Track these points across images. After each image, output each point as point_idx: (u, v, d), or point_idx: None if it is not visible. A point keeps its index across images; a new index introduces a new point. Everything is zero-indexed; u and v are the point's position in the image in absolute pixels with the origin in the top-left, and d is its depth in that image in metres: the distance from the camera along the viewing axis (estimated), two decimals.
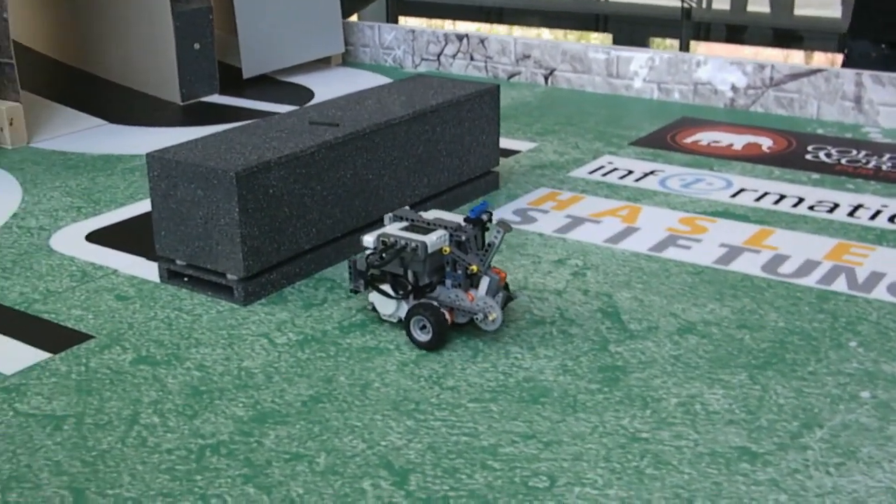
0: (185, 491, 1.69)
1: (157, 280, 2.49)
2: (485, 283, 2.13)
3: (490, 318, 2.11)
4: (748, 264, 2.55)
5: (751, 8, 8.92)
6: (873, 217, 2.85)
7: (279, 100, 4.24)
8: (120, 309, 2.35)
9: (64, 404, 1.95)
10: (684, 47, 7.44)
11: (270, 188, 2.35)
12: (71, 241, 2.77)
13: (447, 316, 2.12)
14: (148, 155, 2.40)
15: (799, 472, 1.72)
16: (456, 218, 2.19)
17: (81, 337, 2.22)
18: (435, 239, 2.11)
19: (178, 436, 1.85)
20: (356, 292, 2.26)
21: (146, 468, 1.75)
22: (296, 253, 2.46)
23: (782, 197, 3.01)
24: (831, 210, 2.91)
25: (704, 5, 8.74)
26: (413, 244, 2.10)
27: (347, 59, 4.94)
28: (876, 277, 2.46)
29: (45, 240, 2.77)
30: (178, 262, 2.44)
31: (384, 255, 2.13)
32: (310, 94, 4.36)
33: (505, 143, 3.37)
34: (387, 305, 2.20)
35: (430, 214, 2.21)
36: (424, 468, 1.74)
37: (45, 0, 4.54)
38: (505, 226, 2.12)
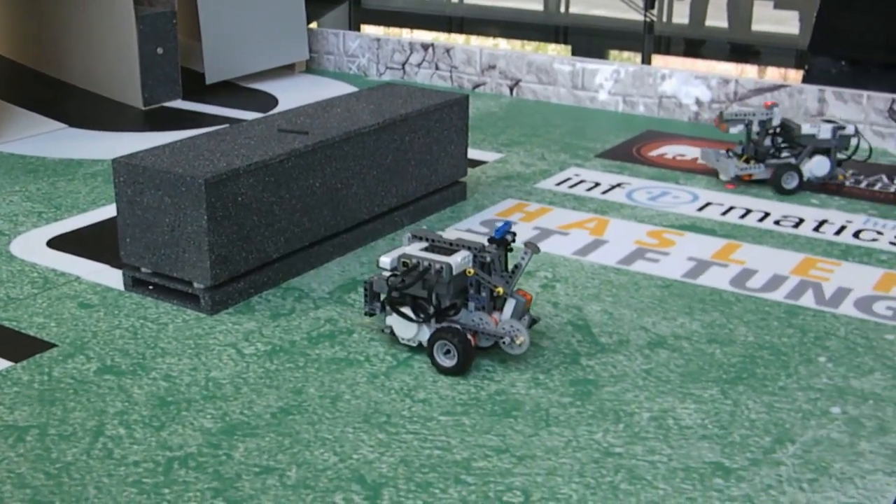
0: None
1: (122, 288, 2.45)
2: (510, 305, 2.07)
3: (517, 341, 2.04)
4: (716, 278, 2.55)
5: (709, 22, 8.99)
6: (838, 232, 2.87)
7: (242, 106, 4.20)
8: (83, 317, 2.31)
9: (27, 415, 1.91)
10: (646, 60, 7.48)
11: (239, 196, 2.32)
12: (32, 246, 2.72)
13: (471, 340, 2.06)
14: (114, 160, 2.36)
15: (772, 487, 1.72)
16: (478, 238, 2.12)
17: (44, 345, 2.17)
18: (460, 260, 2.04)
19: (145, 448, 1.81)
20: (371, 315, 2.19)
21: (112, 481, 1.71)
22: (264, 262, 2.43)
23: (748, 211, 3.03)
24: (797, 225, 2.92)
25: (664, 19, 8.80)
26: (437, 266, 2.03)
27: (311, 67, 4.91)
28: (843, 293, 2.47)
29: (4, 245, 2.72)
30: (144, 269, 2.40)
31: (406, 277, 2.06)
32: (273, 100, 4.33)
33: (471, 153, 3.36)
34: (407, 329, 2.12)
35: (451, 234, 2.14)
36: (397, 482, 1.72)
37: (6, 3, 4.47)
38: (533, 247, 2.07)
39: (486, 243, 2.10)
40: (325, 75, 4.80)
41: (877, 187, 3.27)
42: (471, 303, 2.09)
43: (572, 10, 10.06)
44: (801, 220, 2.96)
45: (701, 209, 3.04)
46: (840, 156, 3.19)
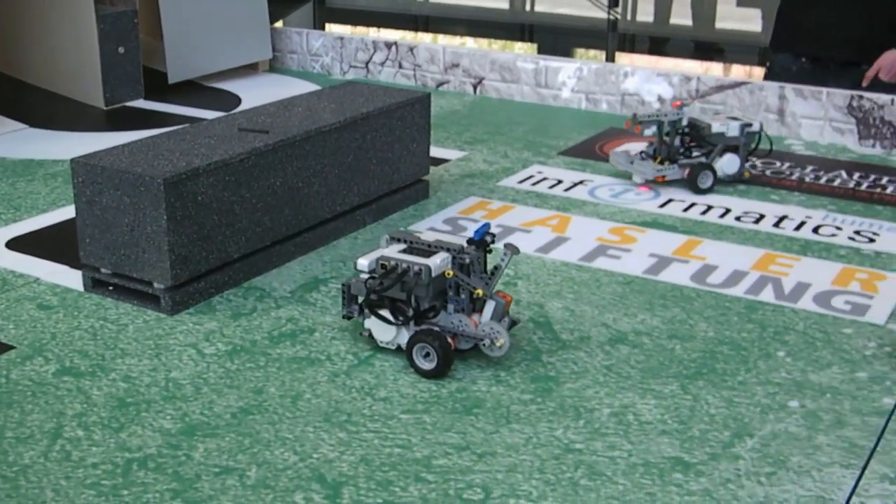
0: None
1: (81, 289, 2.43)
2: (490, 307, 2.06)
3: (498, 343, 2.04)
4: (677, 274, 2.57)
5: (673, 20, 9.05)
6: (798, 228, 2.89)
7: (205, 105, 4.18)
8: (42, 318, 2.29)
9: None
10: (610, 58, 7.51)
11: (199, 195, 2.31)
12: None
13: (451, 342, 2.05)
14: (72, 160, 2.34)
15: (731, 481, 1.73)
16: (457, 240, 2.11)
17: (1, 347, 2.16)
18: (439, 262, 2.03)
19: (104, 449, 1.80)
20: (349, 318, 2.17)
21: (70, 483, 1.70)
22: (224, 261, 2.42)
23: (709, 207, 3.04)
24: (757, 221, 2.94)
25: (629, 17, 8.85)
26: (416, 268, 2.02)
27: (274, 66, 4.90)
28: (802, 287, 2.49)
29: None
30: (104, 270, 2.38)
31: (384, 279, 2.05)
32: (237, 100, 4.31)
33: (434, 151, 3.36)
34: (385, 332, 2.10)
35: (430, 236, 2.13)
36: (357, 481, 1.72)
37: None
38: (513, 248, 2.06)
39: (466, 245, 2.08)
40: (289, 74, 4.79)
41: (836, 183, 3.30)
42: (450, 305, 2.07)
43: (538, 8, 10.09)
44: (762, 216, 2.98)
45: (662, 206, 3.05)
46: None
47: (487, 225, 2.12)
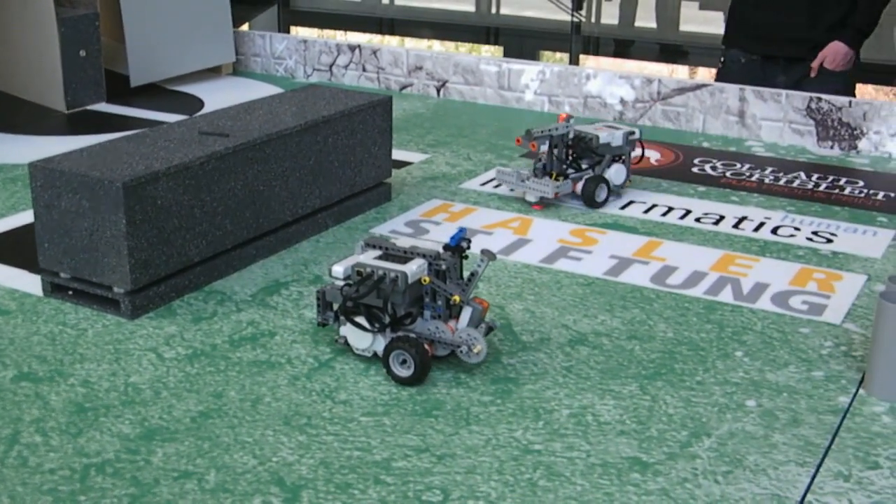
0: None
1: (41, 293, 2.42)
2: (467, 313, 2.06)
3: (475, 350, 2.03)
4: (637, 275, 2.58)
5: (638, 23, 9.10)
6: (757, 229, 2.92)
7: (168, 109, 4.16)
8: (0, 324, 2.27)
9: None
10: (574, 61, 7.54)
11: (158, 199, 2.30)
12: None
13: (427, 349, 2.04)
14: (30, 164, 2.33)
15: (688, 480, 1.75)
16: (433, 246, 2.10)
17: None
18: (415, 269, 2.02)
19: (62, 455, 1.79)
20: (324, 325, 2.16)
21: (27, 489, 1.69)
22: (185, 265, 2.42)
23: (670, 209, 3.07)
24: (717, 222, 2.97)
25: (594, 20, 8.89)
26: (393, 274, 2.01)
27: (238, 69, 4.88)
28: (760, 288, 2.52)
29: None
30: (63, 274, 2.37)
31: (360, 286, 2.03)
32: (199, 103, 4.29)
33: (397, 154, 3.37)
34: (362, 339, 2.09)
35: (405, 242, 2.12)
36: (317, 484, 1.72)
37: None
38: (489, 254, 2.06)
39: (442, 251, 2.08)
40: (252, 77, 4.77)
41: (795, 184, 3.33)
42: (427, 311, 2.07)
43: (504, 10, 10.11)
44: (722, 218, 3.00)
45: (623, 207, 3.07)
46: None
47: (463, 230, 2.11)
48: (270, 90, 4.45)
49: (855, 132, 3.71)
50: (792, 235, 2.87)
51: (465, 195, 3.16)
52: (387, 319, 2.05)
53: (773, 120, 3.84)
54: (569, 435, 1.88)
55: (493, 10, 9.98)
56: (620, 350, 2.20)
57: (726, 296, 2.47)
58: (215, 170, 2.44)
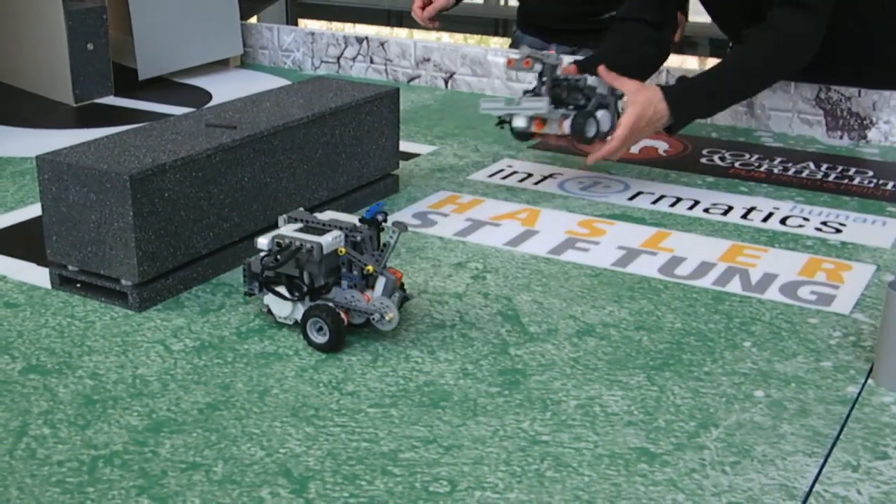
0: None
1: (49, 286, 2.42)
2: (381, 283, 2.12)
3: (387, 317, 2.09)
4: (645, 266, 2.58)
5: None
6: (765, 219, 2.91)
7: (176, 102, 4.17)
8: (9, 316, 2.28)
9: None
10: None
11: (166, 191, 2.30)
12: None
13: (343, 317, 2.11)
14: (38, 157, 2.33)
15: (696, 471, 1.75)
16: (351, 219, 2.18)
17: None
18: (330, 240, 2.09)
19: (70, 447, 1.79)
20: (251, 295, 2.23)
21: (35, 481, 1.70)
22: (192, 257, 2.42)
23: (678, 200, 3.06)
24: (725, 213, 2.96)
25: None
26: (308, 245, 2.09)
27: (245, 62, 4.88)
28: (769, 278, 2.51)
29: None
30: (71, 267, 2.37)
31: (279, 256, 2.11)
32: (207, 96, 4.30)
33: (405, 146, 3.37)
34: (283, 308, 2.18)
35: (326, 216, 2.20)
36: (324, 475, 1.72)
37: None
38: (401, 226, 2.11)
39: (358, 223, 2.15)
40: (260, 70, 4.78)
41: (804, 174, 3.32)
42: (343, 281, 2.13)
43: (512, 2, 10.07)
44: (730, 208, 2.99)
45: (632, 198, 3.06)
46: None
47: (381, 204, 2.20)
48: (278, 83, 4.45)
49: (864, 122, 3.70)
50: (801, 226, 2.86)
51: (473, 186, 3.16)
52: (304, 289, 2.13)
53: (782, 110, 3.82)
54: (576, 426, 1.88)
55: (502, 2, 9.96)
56: (628, 341, 2.20)
57: (735, 286, 2.47)
58: (223, 162, 2.44)
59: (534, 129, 2.96)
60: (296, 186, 2.68)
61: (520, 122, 2.94)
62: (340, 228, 2.14)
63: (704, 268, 2.57)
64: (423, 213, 2.92)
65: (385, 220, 2.17)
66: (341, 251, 2.11)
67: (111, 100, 4.19)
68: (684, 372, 2.07)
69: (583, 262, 2.60)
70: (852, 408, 1.95)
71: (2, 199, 3.03)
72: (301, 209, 2.25)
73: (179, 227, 2.36)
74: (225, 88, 4.37)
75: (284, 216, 2.22)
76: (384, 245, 2.14)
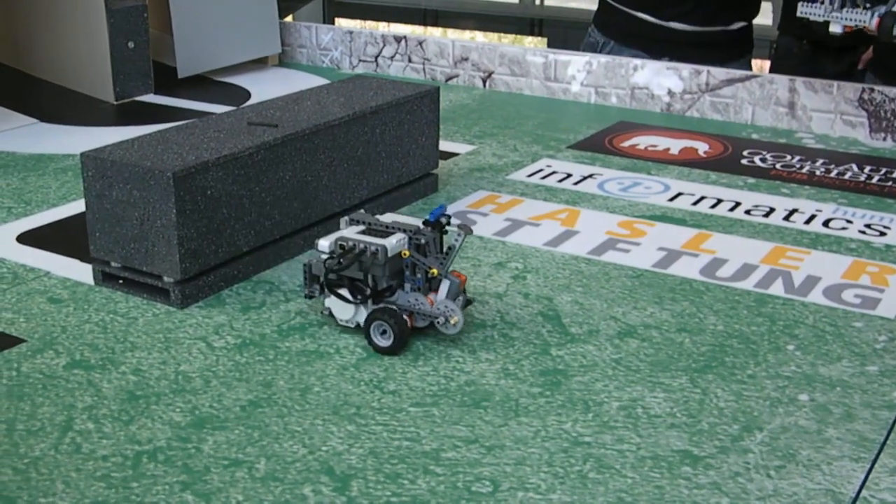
0: (121, 499, 1.65)
1: (91, 282, 2.44)
2: (445, 286, 2.10)
3: (452, 321, 2.08)
4: (687, 268, 2.56)
5: None
6: (808, 221, 2.88)
7: (215, 100, 4.19)
8: (53, 312, 2.30)
9: None
10: None
11: (208, 189, 2.31)
12: (1, 242, 2.70)
13: (407, 320, 2.10)
14: (82, 154, 2.35)
15: (740, 475, 1.73)
16: (414, 221, 2.16)
17: (12, 341, 2.16)
18: (395, 242, 2.07)
19: (114, 442, 1.80)
20: (311, 297, 2.21)
21: (80, 475, 1.71)
22: (234, 255, 2.43)
23: (719, 201, 3.04)
24: (767, 214, 2.94)
25: None
26: (373, 248, 2.06)
27: (284, 60, 4.90)
28: (812, 281, 2.49)
29: None
30: (114, 264, 2.39)
31: (342, 259, 2.09)
32: (246, 94, 4.31)
33: (444, 145, 3.37)
34: (345, 311, 2.15)
35: (387, 218, 2.18)
36: (366, 473, 1.72)
37: None
38: (466, 228, 2.10)
39: (422, 226, 2.13)
40: (298, 69, 4.79)
41: (847, 176, 3.29)
42: (407, 284, 2.12)
43: (548, 2, 10.07)
44: (772, 210, 2.97)
45: (672, 199, 3.05)
46: None
47: (443, 207, 2.16)
48: (316, 81, 4.46)
49: None
50: (844, 228, 2.83)
51: (512, 186, 3.15)
52: (368, 291, 2.11)
53: (824, 111, 3.79)
54: (619, 427, 1.87)
55: (537, 2, 9.95)
56: (670, 343, 2.19)
57: (777, 289, 2.45)
58: (264, 160, 2.45)
59: (873, 28, 3.01)
60: (336, 185, 2.68)
61: (836, 28, 3.06)
62: (404, 231, 2.12)
63: (746, 270, 2.55)
64: (462, 212, 2.92)
65: (448, 223, 2.15)
66: (405, 254, 2.09)
67: (151, 97, 4.21)
68: (727, 374, 2.06)
69: (623, 262, 2.59)
70: None
71: (45, 195, 3.06)
72: (362, 211, 2.24)
73: (221, 224, 2.37)
74: (263, 87, 4.39)
75: (346, 218, 2.20)
76: (449, 248, 2.12)
